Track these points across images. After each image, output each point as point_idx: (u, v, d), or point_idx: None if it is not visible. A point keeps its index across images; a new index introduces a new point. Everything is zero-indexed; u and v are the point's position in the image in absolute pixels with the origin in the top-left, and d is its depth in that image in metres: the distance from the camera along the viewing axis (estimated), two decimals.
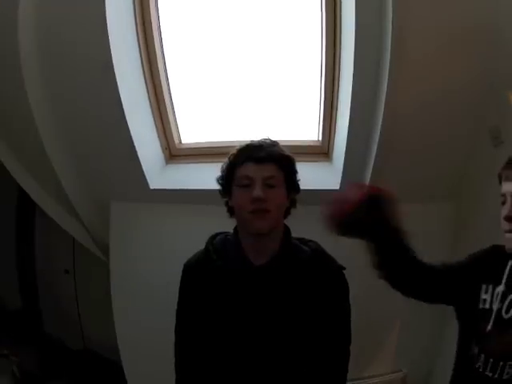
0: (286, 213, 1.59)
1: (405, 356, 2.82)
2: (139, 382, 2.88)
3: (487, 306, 1.35)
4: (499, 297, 1.32)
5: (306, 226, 2.73)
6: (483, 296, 1.37)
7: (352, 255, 2.72)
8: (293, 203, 1.61)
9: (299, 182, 1.62)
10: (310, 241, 1.66)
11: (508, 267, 1.34)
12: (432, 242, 2.62)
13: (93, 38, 2.30)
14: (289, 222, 2.68)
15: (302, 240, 1.64)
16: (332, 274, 1.57)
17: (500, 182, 1.39)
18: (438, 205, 2.69)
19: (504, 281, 1.33)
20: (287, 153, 1.57)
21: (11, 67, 2.37)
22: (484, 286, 1.38)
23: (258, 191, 1.46)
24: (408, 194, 2.64)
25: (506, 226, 1.33)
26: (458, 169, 2.55)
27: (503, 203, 1.36)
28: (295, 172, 1.60)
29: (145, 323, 2.76)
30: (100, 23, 2.23)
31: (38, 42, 2.36)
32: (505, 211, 1.34)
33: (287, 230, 1.61)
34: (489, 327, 1.31)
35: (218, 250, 1.57)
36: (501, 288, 1.33)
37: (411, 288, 1.61)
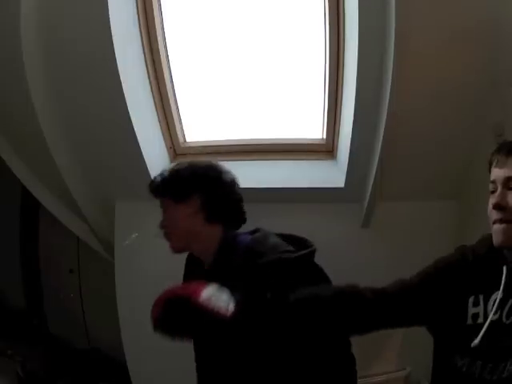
0: (221, 217, 1.62)
1: (408, 354, 2.82)
2: (143, 381, 2.89)
3: (480, 320, 1.23)
4: (496, 305, 1.21)
5: (309, 223, 2.76)
6: (473, 310, 1.24)
7: (355, 254, 2.75)
8: (216, 208, 1.62)
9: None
10: (255, 231, 1.66)
11: (504, 273, 1.21)
12: (435, 240, 2.63)
13: (96, 37, 2.30)
14: (292, 220, 2.71)
15: (249, 232, 1.66)
16: (259, 269, 1.49)
17: (489, 170, 1.27)
18: (442, 203, 2.70)
19: (502, 287, 1.20)
20: (168, 174, 1.64)
21: (15, 68, 2.37)
22: (471, 299, 1.25)
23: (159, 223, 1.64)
24: (411, 192, 2.66)
25: (494, 215, 1.21)
26: (462, 166, 2.55)
27: (493, 191, 1.24)
28: (178, 184, 1.62)
29: (150, 323, 2.76)
30: (103, 21, 2.23)
31: (41, 40, 2.36)
32: (494, 199, 1.22)
33: (226, 234, 1.62)
34: (477, 340, 1.21)
35: None
36: (498, 295, 1.21)
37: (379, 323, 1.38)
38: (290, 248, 1.55)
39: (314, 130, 2.84)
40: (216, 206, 1.60)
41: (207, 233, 1.60)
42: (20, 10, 2.19)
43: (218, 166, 1.67)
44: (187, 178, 1.62)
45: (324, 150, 2.85)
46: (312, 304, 1.35)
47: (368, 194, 2.58)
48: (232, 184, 1.65)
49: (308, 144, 2.88)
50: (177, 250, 1.64)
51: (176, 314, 1.29)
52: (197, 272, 1.67)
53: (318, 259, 2.67)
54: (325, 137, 2.81)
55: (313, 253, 1.59)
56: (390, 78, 2.13)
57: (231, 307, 1.28)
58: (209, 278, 1.53)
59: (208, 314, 1.26)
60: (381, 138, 2.33)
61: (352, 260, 2.74)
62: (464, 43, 2.12)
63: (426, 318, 1.35)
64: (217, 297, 1.29)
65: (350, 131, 2.47)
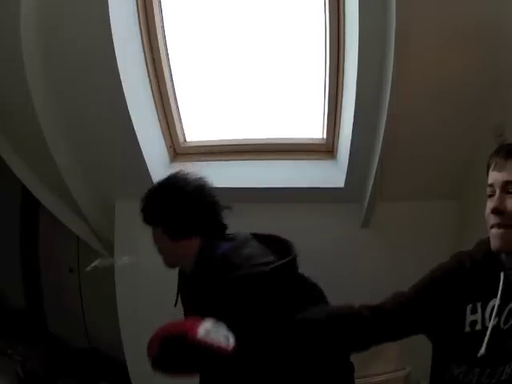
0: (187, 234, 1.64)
1: (408, 354, 2.82)
2: (143, 381, 2.89)
3: (478, 327, 1.23)
4: (495, 311, 1.20)
5: (309, 223, 2.76)
6: (471, 318, 1.24)
7: (354, 254, 2.76)
8: (176, 228, 1.65)
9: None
10: (234, 238, 1.67)
11: (502, 279, 1.20)
12: (435, 240, 2.64)
13: (96, 36, 2.30)
14: (292, 220, 2.71)
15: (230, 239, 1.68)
16: (231, 284, 1.49)
17: (487, 173, 1.25)
18: (442, 203, 2.69)
19: (499, 294, 1.19)
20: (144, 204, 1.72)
21: (15, 71, 2.38)
22: (469, 307, 1.24)
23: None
24: (412, 192, 2.66)
25: (492, 219, 1.19)
26: (463, 166, 2.55)
27: (490, 195, 1.21)
28: (144, 214, 1.72)
29: (150, 322, 2.75)
30: (103, 21, 2.24)
31: (41, 40, 2.37)
32: (492, 203, 1.19)
33: (204, 245, 1.64)
34: (483, 349, 1.19)
35: None
36: (495, 302, 1.20)
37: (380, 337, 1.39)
38: (266, 259, 1.55)
39: (314, 130, 2.84)
40: (176, 226, 1.63)
41: (183, 248, 1.63)
42: (20, 9, 2.19)
43: (180, 181, 1.68)
44: (149, 208, 1.70)
45: (324, 149, 2.84)
46: (309, 330, 1.35)
47: (368, 194, 2.58)
48: (197, 195, 1.65)
49: (308, 144, 2.87)
50: (168, 265, 1.70)
51: (174, 353, 1.27)
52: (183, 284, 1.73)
53: (318, 259, 2.69)
54: (325, 137, 2.80)
55: (292, 261, 1.59)
56: (391, 78, 2.13)
57: (232, 341, 1.27)
58: (188, 289, 1.65)
59: (208, 351, 1.24)
60: (381, 138, 2.33)
61: (352, 260, 2.75)
62: (464, 44, 2.12)
63: (425, 328, 1.35)
64: (215, 332, 1.27)
65: (350, 131, 2.47)
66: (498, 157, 1.22)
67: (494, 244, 1.19)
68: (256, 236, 1.70)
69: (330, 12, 2.42)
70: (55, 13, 2.29)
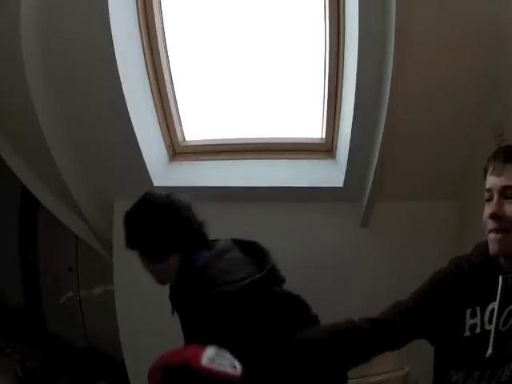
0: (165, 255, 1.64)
1: (407, 354, 2.82)
2: (142, 381, 2.89)
3: (478, 330, 1.23)
4: (495, 315, 1.20)
5: (308, 222, 2.76)
6: (470, 322, 1.24)
7: (353, 253, 2.76)
8: (153, 253, 1.66)
9: None
10: (211, 246, 1.68)
11: (500, 283, 1.20)
12: (435, 239, 2.64)
13: (96, 37, 2.31)
14: (291, 219, 2.71)
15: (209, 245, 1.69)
16: (206, 301, 1.50)
17: (485, 176, 1.24)
18: (442, 202, 2.70)
19: (498, 297, 1.20)
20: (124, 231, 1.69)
21: (15, 71, 2.38)
22: (469, 311, 1.25)
23: None
24: (411, 192, 2.66)
25: (490, 224, 1.18)
26: (463, 166, 2.55)
27: (488, 199, 1.20)
28: (127, 239, 1.68)
29: (148, 321, 2.77)
30: (103, 22, 2.24)
31: (41, 40, 2.37)
32: (490, 208, 1.18)
33: (183, 260, 1.65)
34: (490, 349, 1.20)
35: None
36: (494, 305, 1.20)
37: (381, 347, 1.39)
38: (239, 275, 1.54)
39: (313, 129, 2.84)
40: (151, 251, 1.65)
41: (164, 267, 1.65)
42: (20, 10, 2.19)
43: (151, 201, 1.68)
44: (125, 235, 1.69)
45: (323, 149, 2.85)
46: (311, 350, 1.35)
47: (367, 193, 2.58)
48: (168, 214, 1.64)
49: (307, 143, 2.88)
50: (158, 282, 1.71)
51: (177, 383, 1.23)
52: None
53: (317, 258, 2.69)
54: (324, 136, 2.81)
55: (267, 275, 1.57)
56: (390, 76, 2.13)
57: (239, 367, 1.23)
58: (171, 302, 1.66)
59: (215, 378, 1.20)
60: (380, 137, 2.33)
61: (351, 259, 2.76)
62: (465, 45, 2.12)
63: (426, 334, 1.36)
64: (219, 359, 1.23)
65: (350, 130, 2.47)
66: (495, 161, 1.21)
67: (493, 248, 1.19)
68: (236, 242, 1.70)
69: (330, 11, 2.42)
70: (55, 13, 2.29)
